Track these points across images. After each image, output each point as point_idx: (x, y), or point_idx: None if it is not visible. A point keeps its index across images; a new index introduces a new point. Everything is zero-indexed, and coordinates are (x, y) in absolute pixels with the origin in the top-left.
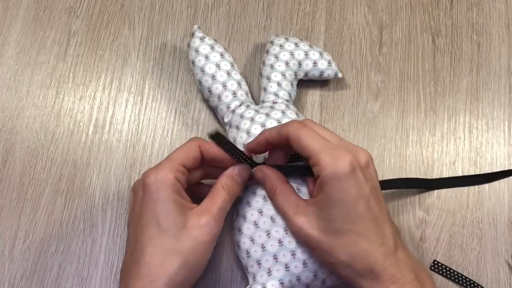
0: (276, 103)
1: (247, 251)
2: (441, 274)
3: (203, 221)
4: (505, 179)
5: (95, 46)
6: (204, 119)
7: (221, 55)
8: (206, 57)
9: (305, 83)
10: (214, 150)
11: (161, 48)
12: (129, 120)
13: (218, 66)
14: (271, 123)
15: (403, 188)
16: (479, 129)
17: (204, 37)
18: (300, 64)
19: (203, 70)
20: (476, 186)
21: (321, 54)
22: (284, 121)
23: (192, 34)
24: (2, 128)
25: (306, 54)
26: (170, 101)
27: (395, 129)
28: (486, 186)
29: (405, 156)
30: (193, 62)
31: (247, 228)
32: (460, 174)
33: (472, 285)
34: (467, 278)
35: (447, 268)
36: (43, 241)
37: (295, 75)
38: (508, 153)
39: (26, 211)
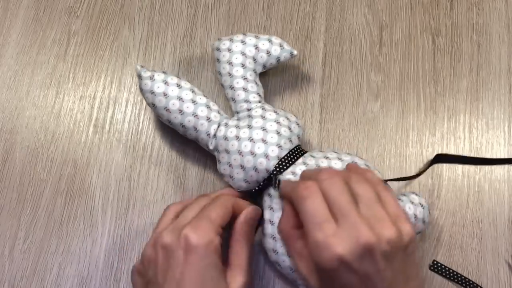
0: (250, 109)
1: (290, 268)
2: (441, 274)
3: (240, 281)
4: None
5: (95, 46)
6: None
7: (178, 85)
8: (165, 94)
9: (305, 83)
10: (244, 205)
11: (161, 48)
12: (129, 120)
13: (180, 99)
14: (257, 134)
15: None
16: (479, 129)
17: (153, 75)
18: (255, 59)
19: (167, 109)
20: (476, 186)
21: (269, 40)
22: (268, 125)
23: (139, 77)
24: (2, 128)
25: (256, 47)
26: None
27: (395, 129)
28: (486, 186)
29: (405, 156)
30: (153, 105)
31: (280, 246)
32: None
33: (471, 286)
34: (467, 278)
35: (447, 269)
36: (43, 241)
37: (255, 72)
38: (508, 153)
39: (26, 211)
